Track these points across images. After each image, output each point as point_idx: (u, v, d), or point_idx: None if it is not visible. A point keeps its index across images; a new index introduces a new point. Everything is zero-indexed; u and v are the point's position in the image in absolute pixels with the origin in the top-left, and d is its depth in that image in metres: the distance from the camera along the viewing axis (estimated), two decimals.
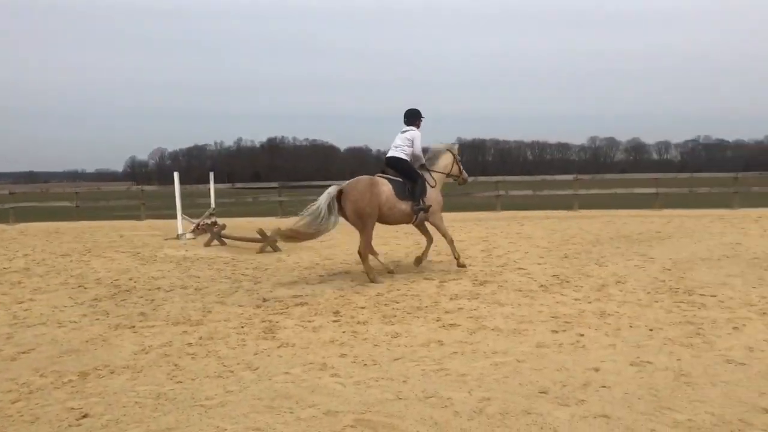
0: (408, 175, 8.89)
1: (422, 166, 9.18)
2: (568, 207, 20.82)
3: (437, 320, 6.56)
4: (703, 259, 9.78)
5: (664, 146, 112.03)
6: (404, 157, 8.92)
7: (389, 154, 8.99)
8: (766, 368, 4.83)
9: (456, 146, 9.64)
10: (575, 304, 7.13)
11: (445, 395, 4.44)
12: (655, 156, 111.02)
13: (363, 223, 8.60)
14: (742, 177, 21.91)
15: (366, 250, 8.65)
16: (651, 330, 5.98)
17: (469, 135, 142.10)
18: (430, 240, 9.47)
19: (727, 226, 14.14)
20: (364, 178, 8.82)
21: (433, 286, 8.31)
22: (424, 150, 9.26)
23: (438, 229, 9.17)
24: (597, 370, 4.92)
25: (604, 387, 4.54)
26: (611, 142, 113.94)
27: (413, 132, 9.01)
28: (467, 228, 15.52)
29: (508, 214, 19.69)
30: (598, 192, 22.24)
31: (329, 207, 8.49)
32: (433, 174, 9.22)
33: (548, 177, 24.45)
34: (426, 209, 8.91)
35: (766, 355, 5.12)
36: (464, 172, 9.63)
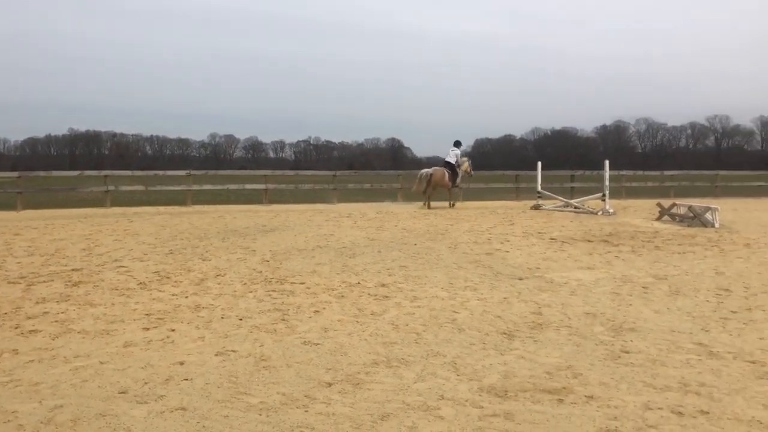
0: (453, 170, 20.24)
1: (458, 166, 20.37)
2: (183, 203, 20.79)
3: (15, 328, 5.94)
4: (299, 250, 10.68)
5: (280, 145, 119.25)
6: (453, 161, 20.36)
7: (446, 160, 20.56)
8: (336, 346, 5.48)
9: (469, 160, 21.19)
10: (172, 299, 7.15)
11: (10, 409, 4.05)
12: (272, 154, 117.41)
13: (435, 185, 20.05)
14: (340, 175, 24.61)
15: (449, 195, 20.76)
16: (241, 319, 6.31)
17: (83, 126, 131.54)
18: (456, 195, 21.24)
19: (325, 220, 15.68)
20: (440, 168, 20.27)
21: (18, 290, 7.51)
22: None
23: (454, 191, 20.96)
24: (182, 363, 5.00)
25: (187, 380, 4.65)
26: (231, 140, 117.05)
27: (457, 150, 20.66)
28: (70, 226, 14.37)
29: (118, 211, 18.80)
30: (212, 188, 22.68)
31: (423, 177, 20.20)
32: (461, 170, 20.53)
33: (160, 172, 24.01)
34: (458, 185, 20.73)
35: (337, 334, 5.82)
36: (471, 170, 21.25)
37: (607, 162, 19.37)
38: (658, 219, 16.36)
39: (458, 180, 20.45)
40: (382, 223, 15.12)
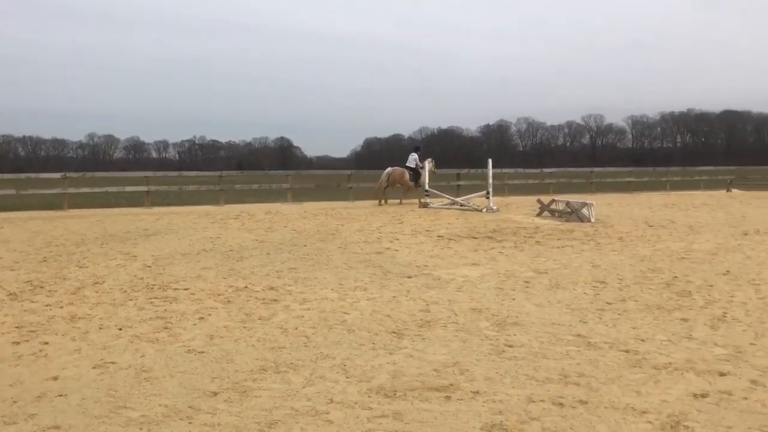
0: (414, 171, 21.17)
1: (421, 168, 21.02)
2: (59, 207, 19.61)
3: None
4: (183, 254, 10.32)
5: (163, 145, 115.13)
6: (412, 165, 21.30)
7: (406, 164, 21.39)
8: (222, 353, 5.32)
9: (432, 160, 21.53)
10: (45, 310, 6.70)
11: None
12: (154, 154, 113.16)
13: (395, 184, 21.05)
14: (227, 175, 24.03)
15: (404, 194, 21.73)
16: (120, 329, 6.00)
17: None
18: (421, 193, 20.98)
19: (211, 222, 15.25)
20: (400, 168, 21.25)
21: None
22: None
23: (421, 191, 20.77)
24: (56, 378, 4.69)
25: (61, 396, 4.36)
26: (111, 140, 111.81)
27: (415, 155, 21.63)
28: None
29: None
30: (90, 191, 21.54)
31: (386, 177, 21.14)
32: (425, 171, 20.81)
33: (33, 175, 22.56)
34: (419, 184, 20.87)
35: (223, 341, 5.65)
36: (435, 169, 21.80)
37: (490, 161, 20.01)
38: (539, 215, 17.07)
39: (422, 179, 21.21)
40: (272, 224, 14.90)
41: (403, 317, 6.40)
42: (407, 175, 21.53)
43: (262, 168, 65.14)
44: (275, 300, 7.16)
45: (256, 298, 7.27)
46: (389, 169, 21.93)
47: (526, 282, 8.14)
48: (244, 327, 6.08)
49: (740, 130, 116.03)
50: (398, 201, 22.12)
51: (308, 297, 7.30)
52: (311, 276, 8.54)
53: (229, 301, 7.11)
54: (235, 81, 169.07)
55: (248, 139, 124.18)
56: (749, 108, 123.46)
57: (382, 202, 21.54)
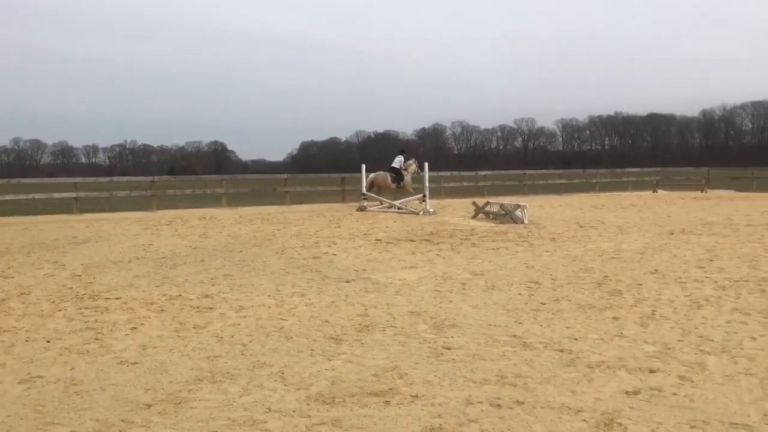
0: (397, 174, 21.71)
1: (404, 169, 21.80)
2: None
3: None
4: (114, 262, 10.01)
5: (92, 150, 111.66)
6: (397, 167, 21.87)
7: (391, 166, 22.05)
8: (156, 364, 5.17)
9: (416, 160, 22.35)
10: None
11: None
12: (84, 159, 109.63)
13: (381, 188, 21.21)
14: (159, 180, 23.49)
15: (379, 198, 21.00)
16: (48, 341, 5.77)
17: None
18: (409, 193, 21.91)
19: (143, 228, 14.85)
20: (382, 172, 21.72)
21: None
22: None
23: (408, 190, 21.78)
24: None
25: None
26: (37, 144, 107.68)
27: (400, 157, 22.21)
28: None
29: None
30: (16, 198, 20.68)
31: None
32: (408, 172, 21.91)
33: None
34: (401, 186, 21.70)
35: (157, 351, 5.49)
36: (418, 168, 21.83)
37: (426, 164, 20.20)
38: (474, 217, 17.31)
39: (406, 180, 22.43)
40: (206, 230, 14.63)
41: (341, 322, 6.37)
42: (389, 178, 21.99)
43: (196, 172, 64.02)
44: (210, 308, 7.01)
45: (191, 306, 7.11)
46: (372, 175, 22.05)
47: (462, 284, 8.23)
48: (179, 336, 5.93)
49: (665, 133, 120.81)
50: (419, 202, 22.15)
51: (244, 304, 7.18)
52: (247, 282, 8.41)
53: (162, 310, 6.93)
54: (167, 83, 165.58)
55: (181, 143, 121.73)
56: (673, 111, 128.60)
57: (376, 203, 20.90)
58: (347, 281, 8.49)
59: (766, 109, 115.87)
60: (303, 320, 6.46)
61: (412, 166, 22.86)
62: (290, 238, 12.89)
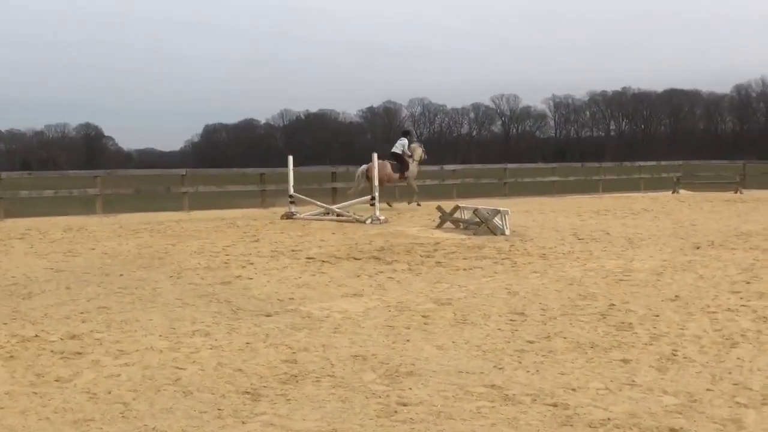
0: (399, 161, 23.58)
1: (409, 156, 23.82)
2: None
3: None
4: None
5: None
6: (399, 152, 23.78)
7: (392, 151, 23.98)
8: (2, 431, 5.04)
9: (422, 144, 25.17)
10: None
11: None
12: None
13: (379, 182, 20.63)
14: (8, 177, 22.98)
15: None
16: None
17: None
18: (413, 191, 24.20)
19: None
20: (379, 161, 20.81)
21: None
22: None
23: (411, 185, 23.98)
24: None
25: None
26: None
27: (404, 140, 24.13)
28: None
29: None
30: None
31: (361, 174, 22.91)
32: (414, 159, 23.98)
33: None
34: (406, 176, 23.66)
35: (5, 414, 5.34)
36: (425, 155, 24.69)
37: (375, 155, 20.25)
38: (439, 226, 17.45)
39: (411, 171, 23.92)
40: (73, 245, 14.38)
41: (260, 371, 6.32)
42: (389, 167, 22.96)
43: (60, 167, 62.97)
44: (79, 353, 6.88)
45: (52, 351, 6.96)
46: (364, 166, 22.96)
47: (424, 317, 8.26)
48: (35, 393, 5.80)
49: (687, 115, 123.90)
50: (409, 201, 24.16)
51: (126, 348, 7.07)
52: (130, 318, 8.29)
53: (12, 357, 6.77)
54: (19, 47, 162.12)
55: (39, 126, 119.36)
56: (698, 87, 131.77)
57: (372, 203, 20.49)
58: (268, 315, 8.43)
59: None
60: (207, 369, 6.38)
61: (418, 150, 24.30)
62: (190, 257, 12.75)
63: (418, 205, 23.84)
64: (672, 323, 7.90)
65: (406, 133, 25.61)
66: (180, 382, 6.06)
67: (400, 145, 24.00)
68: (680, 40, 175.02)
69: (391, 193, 24.57)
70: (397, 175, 23.48)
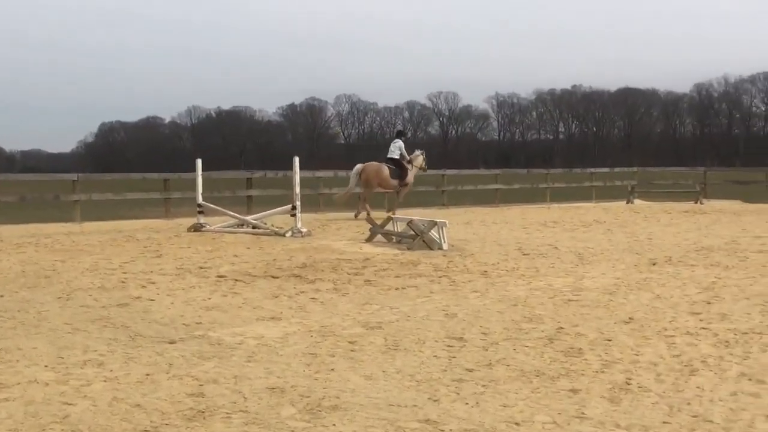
0: (398, 166, 23.84)
1: (408, 161, 24.30)
2: None
3: None
4: None
5: None
6: (396, 156, 23.99)
7: (388, 156, 24.17)
8: None
9: (423, 152, 25.53)
10: None
11: None
12: None
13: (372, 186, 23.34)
14: None
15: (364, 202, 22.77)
16: None
17: None
18: (397, 201, 24.74)
19: None
20: (375, 163, 23.65)
21: None
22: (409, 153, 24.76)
23: (401, 193, 24.79)
24: None
25: None
26: None
27: (400, 143, 24.39)
28: None
29: None
30: None
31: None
32: (414, 166, 24.52)
33: None
34: (405, 184, 24.37)
35: None
36: (426, 165, 25.50)
37: (296, 159, 20.16)
38: (369, 240, 17.47)
39: (410, 178, 24.55)
40: None
41: (162, 407, 6.23)
42: (386, 171, 23.40)
43: None
44: None
45: None
46: (359, 165, 23.62)
47: (350, 343, 8.24)
48: None
49: (644, 116, 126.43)
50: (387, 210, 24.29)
51: (6, 380, 6.90)
52: (11, 346, 8.10)
53: None
54: None
55: None
56: (655, 85, 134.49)
57: (367, 213, 21.88)
58: (172, 342, 8.33)
59: None
60: (101, 404, 6.27)
61: (419, 158, 24.99)
62: (81, 275, 12.55)
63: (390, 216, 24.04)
64: (626, 348, 8.01)
65: (400, 134, 26.02)
66: (69, 419, 5.94)
67: (397, 149, 24.29)
68: (636, 33, 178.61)
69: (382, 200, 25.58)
70: (395, 182, 23.86)
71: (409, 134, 28.58)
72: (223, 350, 7.97)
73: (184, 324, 9.17)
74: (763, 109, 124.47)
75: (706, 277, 12.37)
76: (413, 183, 25.52)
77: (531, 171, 40.26)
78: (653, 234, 19.39)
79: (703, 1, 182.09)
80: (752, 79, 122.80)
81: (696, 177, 38.56)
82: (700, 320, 9.29)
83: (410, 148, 24.91)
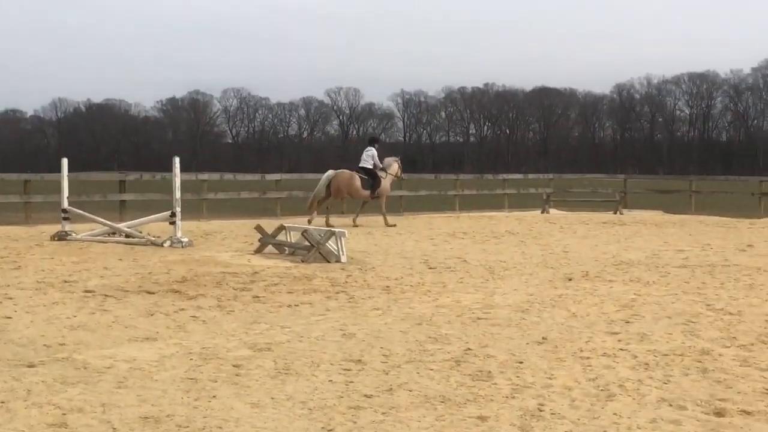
0: (371, 176, 25.58)
1: (381, 170, 25.97)
2: None
3: None
4: None
5: None
6: (369, 166, 25.73)
7: (360, 165, 25.86)
8: None
9: (399, 159, 27.63)
10: None
11: None
12: None
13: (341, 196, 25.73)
14: None
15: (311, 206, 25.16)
16: None
17: None
18: (382, 211, 25.94)
19: None
20: (348, 171, 25.61)
21: None
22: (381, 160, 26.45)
23: (381, 203, 25.92)
24: None
25: None
26: None
27: (373, 151, 25.97)
28: None
29: None
30: None
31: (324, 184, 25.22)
32: (388, 174, 26.30)
33: None
34: (377, 195, 25.65)
35: None
36: (402, 174, 27.74)
37: (177, 160, 19.93)
38: (259, 251, 17.38)
39: (384, 187, 25.79)
40: None
41: None
42: (358, 181, 24.85)
43: None
44: None
45: None
46: (330, 172, 25.06)
47: (236, 366, 8.17)
48: None
49: (561, 118, 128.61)
50: (384, 221, 25.57)
51: None
52: None
53: None
54: None
55: None
56: (573, 85, 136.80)
57: (326, 220, 24.04)
58: (31, 365, 8.15)
59: (709, 84, 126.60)
60: None
61: (394, 166, 26.56)
62: None
63: (392, 225, 25.31)
64: (538, 371, 8.12)
65: (373, 141, 27.33)
66: None
67: (369, 157, 25.60)
68: (554, 29, 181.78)
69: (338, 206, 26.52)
70: (366, 192, 25.19)
71: (388, 138, 31.78)
72: (89, 375, 7.83)
73: (45, 345, 8.98)
74: (688, 112, 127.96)
75: (625, 294, 12.63)
76: (390, 189, 26.79)
77: (439, 176, 40.57)
78: (569, 246, 19.72)
79: None
80: (676, 80, 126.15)
81: (616, 185, 39.39)
82: (618, 340, 9.47)
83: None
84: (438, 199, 34.29)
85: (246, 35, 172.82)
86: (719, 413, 6.71)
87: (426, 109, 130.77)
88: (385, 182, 25.93)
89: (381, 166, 25.99)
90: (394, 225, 25.05)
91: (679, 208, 35.23)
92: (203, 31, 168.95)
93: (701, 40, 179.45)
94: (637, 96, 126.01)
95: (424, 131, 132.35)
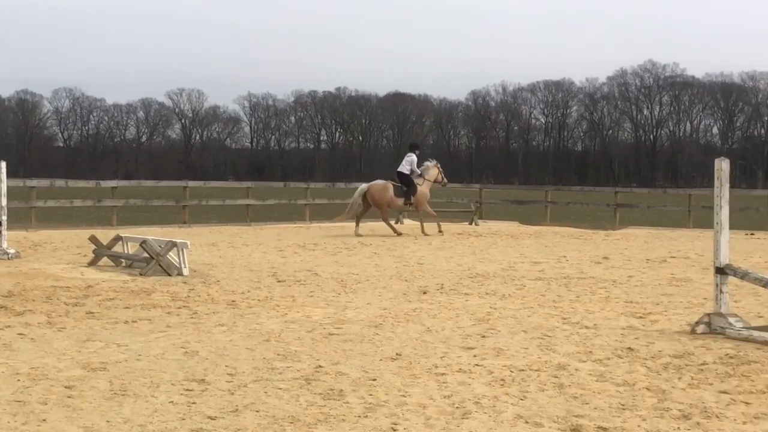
0: (406, 183, 27.67)
1: (419, 176, 28.14)
2: None
3: None
4: None
5: None
6: (406, 172, 27.81)
7: (398, 170, 28.24)
8: None
9: (437, 164, 29.16)
10: None
11: None
12: None
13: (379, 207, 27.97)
14: None
15: (386, 221, 27.92)
16: None
17: None
18: (430, 216, 28.68)
19: None
20: (381, 182, 28.20)
21: None
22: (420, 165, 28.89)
23: (425, 211, 28.62)
24: None
25: None
26: None
27: (413, 157, 28.10)
28: None
29: None
30: None
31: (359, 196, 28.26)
32: (425, 179, 28.30)
33: None
34: (412, 203, 27.86)
35: None
36: (444, 178, 29.26)
37: (3, 164, 19.49)
38: (93, 263, 17.07)
39: (422, 193, 26.89)
40: None
41: None
42: (392, 190, 26.04)
43: None
44: None
45: None
46: (364, 185, 26.43)
47: (68, 387, 7.99)
48: None
49: (415, 124, 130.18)
50: (421, 228, 27.42)
51: None
52: None
53: None
54: None
55: None
56: (427, 91, 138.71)
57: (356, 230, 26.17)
58: None
59: (564, 93, 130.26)
60: None
61: (433, 171, 27.56)
62: None
63: (440, 232, 26.99)
64: (392, 389, 8.17)
65: (413, 147, 28.23)
66: None
67: (408, 163, 26.60)
68: (409, 31, 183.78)
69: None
70: (401, 200, 26.33)
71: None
72: None
73: None
74: (543, 121, 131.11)
75: (480, 308, 12.83)
76: (429, 195, 27.91)
77: (288, 184, 40.58)
78: (424, 258, 19.95)
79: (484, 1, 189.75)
80: (532, 88, 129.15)
81: (471, 195, 40.01)
82: (474, 356, 9.61)
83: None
84: (288, 209, 34.28)
85: (82, 32, 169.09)
86: (575, 429, 6.86)
87: (275, 113, 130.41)
88: (422, 188, 27.09)
89: (419, 172, 27.02)
90: (437, 233, 26.90)
91: (535, 218, 36.06)
92: (31, 26, 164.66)
93: (557, 48, 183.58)
94: (493, 103, 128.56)
95: (273, 136, 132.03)
